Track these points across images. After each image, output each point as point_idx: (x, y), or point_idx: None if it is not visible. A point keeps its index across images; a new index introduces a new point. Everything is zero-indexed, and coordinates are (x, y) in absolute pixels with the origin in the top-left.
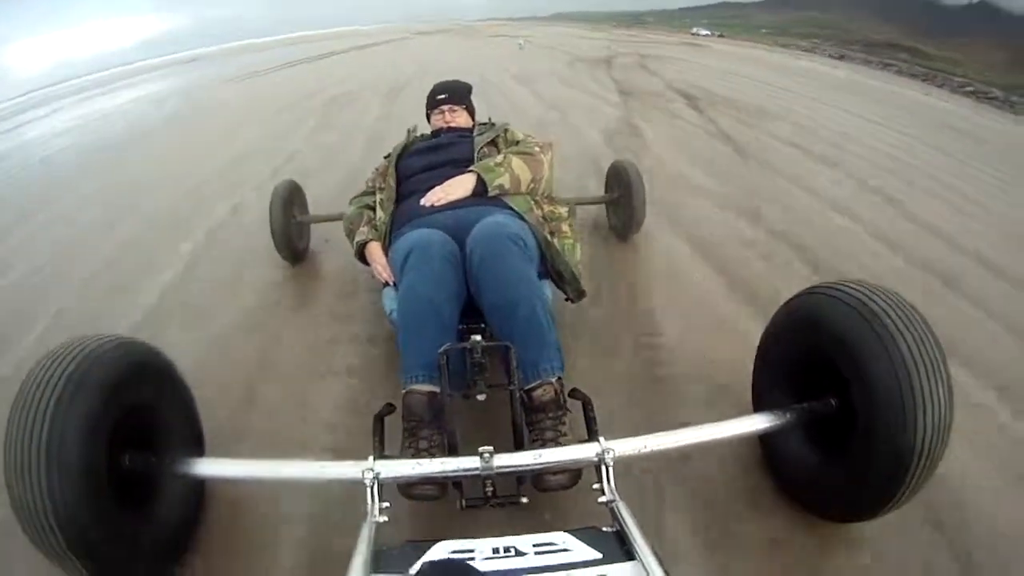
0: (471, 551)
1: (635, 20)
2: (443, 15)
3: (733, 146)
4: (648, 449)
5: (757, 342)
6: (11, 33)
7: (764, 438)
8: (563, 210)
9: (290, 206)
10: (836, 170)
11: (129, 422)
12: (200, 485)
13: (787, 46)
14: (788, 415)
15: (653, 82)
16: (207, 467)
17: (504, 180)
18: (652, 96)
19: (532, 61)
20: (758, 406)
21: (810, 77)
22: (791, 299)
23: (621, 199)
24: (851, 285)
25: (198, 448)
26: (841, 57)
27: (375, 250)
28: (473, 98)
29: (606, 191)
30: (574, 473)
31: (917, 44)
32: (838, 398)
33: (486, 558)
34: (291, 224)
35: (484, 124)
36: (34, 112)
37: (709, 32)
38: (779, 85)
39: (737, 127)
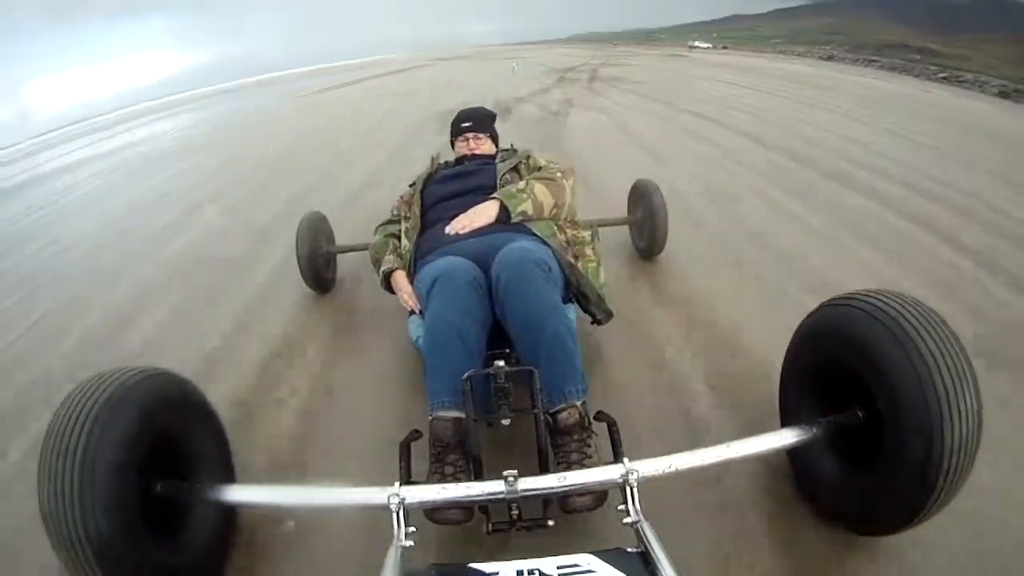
0: (496, 574)
1: (647, 37)
2: (460, 42)
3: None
4: (673, 469)
5: None
6: (29, 73)
7: (792, 452)
8: (586, 234)
9: (316, 237)
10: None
11: (160, 451)
12: (231, 511)
13: (784, 52)
14: (815, 429)
15: (583, 75)
16: (236, 494)
17: (527, 206)
18: (576, 81)
19: (521, 72)
20: (785, 420)
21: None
22: (813, 311)
23: (644, 220)
24: (873, 295)
25: (228, 475)
26: (830, 58)
27: (400, 279)
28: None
29: (629, 212)
30: (600, 495)
31: (927, 43)
32: (864, 410)
33: None
34: (318, 254)
35: (506, 151)
36: (63, 147)
37: (709, 45)
38: (715, 77)
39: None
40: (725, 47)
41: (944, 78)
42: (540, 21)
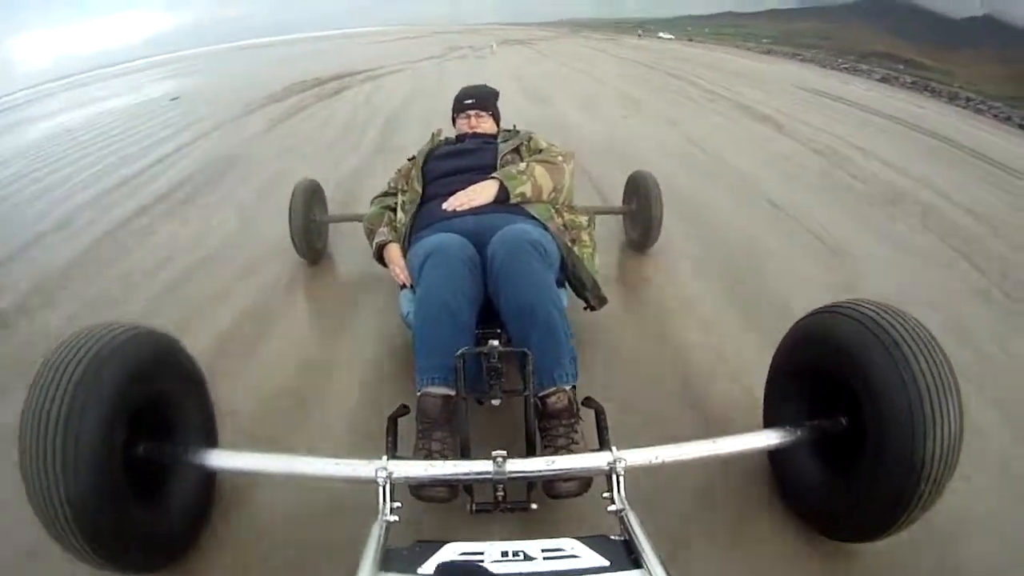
0: (480, 553)
1: (636, 26)
2: (456, 19)
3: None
4: (659, 460)
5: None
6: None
7: (773, 454)
8: (583, 219)
9: (310, 205)
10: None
11: (145, 412)
12: (212, 476)
13: (752, 49)
14: (798, 432)
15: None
16: (220, 459)
17: (526, 188)
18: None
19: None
20: (768, 422)
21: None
22: (804, 317)
23: (639, 210)
24: (865, 304)
25: (211, 439)
26: (800, 58)
27: (394, 251)
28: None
29: (624, 202)
30: (585, 481)
31: (915, 56)
32: (848, 417)
33: (495, 561)
34: (311, 223)
35: (508, 131)
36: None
37: (672, 36)
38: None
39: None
40: (691, 40)
41: (912, 85)
42: (536, 4)
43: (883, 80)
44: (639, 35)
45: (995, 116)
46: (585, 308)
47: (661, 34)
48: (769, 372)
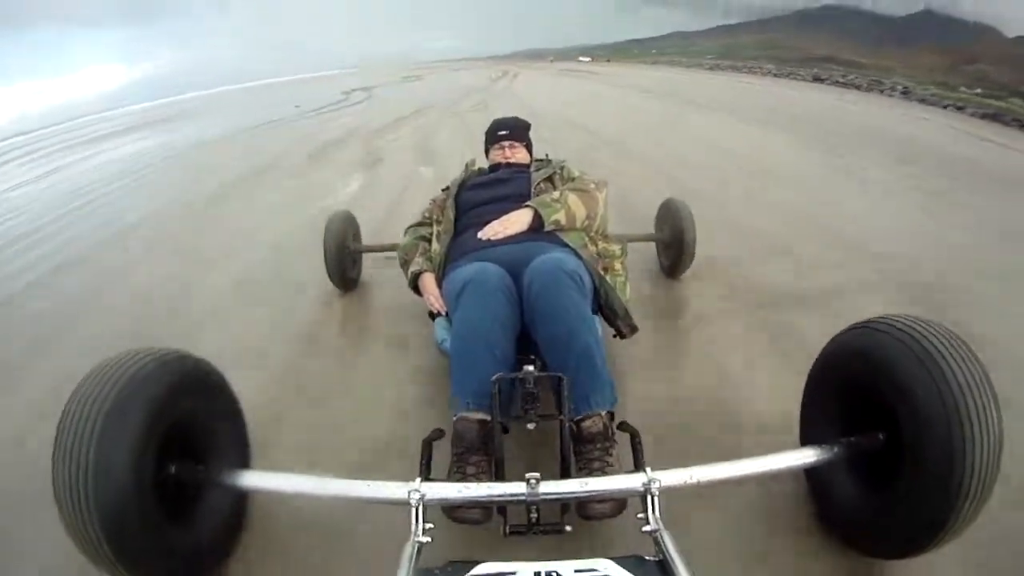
0: (513, 574)
1: (582, 52)
2: (410, 56)
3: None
4: (695, 480)
5: None
6: None
7: (810, 472)
8: (616, 248)
9: (344, 235)
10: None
11: (178, 433)
12: (244, 496)
13: (691, 66)
14: (835, 449)
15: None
16: (252, 479)
17: (560, 216)
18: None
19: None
20: (805, 439)
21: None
22: (841, 333)
23: (672, 239)
24: (902, 319)
25: (244, 460)
26: (721, 66)
27: (429, 281)
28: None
29: (657, 230)
30: (619, 503)
31: (855, 56)
32: (886, 433)
33: None
34: (345, 253)
35: (541, 161)
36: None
37: (589, 59)
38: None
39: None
40: (608, 61)
41: (839, 82)
42: (486, 40)
43: (815, 80)
44: (551, 60)
45: (922, 101)
46: (615, 336)
47: (582, 58)
48: (805, 389)
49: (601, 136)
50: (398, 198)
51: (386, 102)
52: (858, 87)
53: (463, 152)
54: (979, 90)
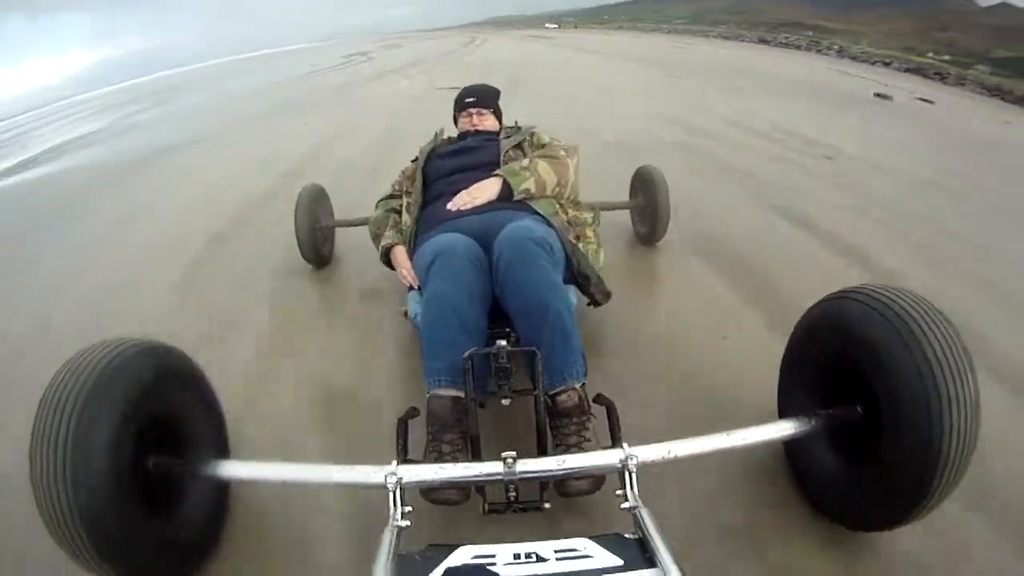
0: (492, 556)
1: (551, 19)
2: (380, 27)
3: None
4: (672, 455)
5: None
6: None
7: (789, 444)
8: (587, 215)
9: (315, 211)
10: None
11: (155, 425)
12: (225, 488)
13: (643, 30)
14: (813, 421)
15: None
16: (231, 469)
17: (530, 184)
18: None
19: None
20: (783, 412)
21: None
22: (817, 303)
23: (646, 205)
24: (879, 289)
25: (223, 450)
26: (678, 30)
27: (400, 254)
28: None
29: (631, 197)
30: (597, 479)
31: (823, 21)
32: (864, 405)
33: (507, 563)
34: (316, 229)
35: (510, 128)
36: None
37: (556, 25)
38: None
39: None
40: (576, 26)
41: (807, 47)
42: (448, 8)
43: (761, 41)
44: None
45: (886, 64)
46: (589, 304)
47: (549, 25)
48: (782, 361)
49: (531, 72)
50: (427, 88)
51: (386, 60)
52: (797, 47)
53: (453, 79)
54: (947, 56)
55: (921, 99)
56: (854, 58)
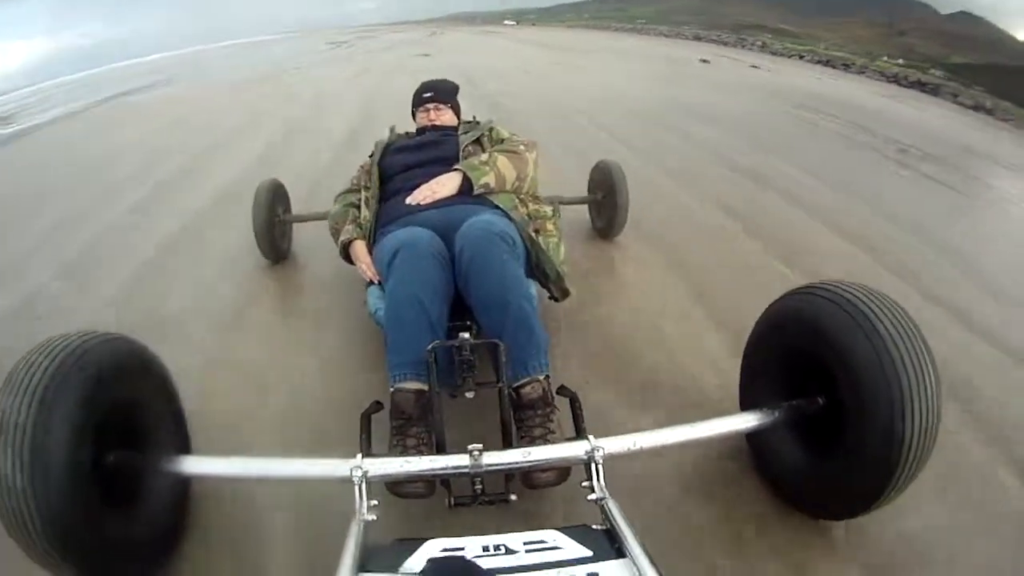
0: (461, 549)
1: (516, 15)
2: (346, 21)
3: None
4: (637, 447)
5: None
6: None
7: (752, 436)
8: (547, 209)
9: (273, 205)
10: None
11: (114, 420)
12: (186, 483)
13: (607, 28)
14: (776, 413)
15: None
16: (193, 465)
17: (489, 179)
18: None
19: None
20: (745, 404)
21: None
22: (779, 299)
23: (605, 200)
24: (839, 285)
25: (184, 446)
26: (637, 29)
27: (360, 249)
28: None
29: (589, 192)
30: (563, 470)
31: (782, 24)
32: (826, 396)
33: (476, 556)
34: (274, 223)
35: (469, 123)
36: None
37: (515, 22)
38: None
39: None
40: (534, 24)
41: (761, 48)
42: (409, 3)
43: (695, 38)
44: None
45: (845, 67)
46: (550, 298)
47: (507, 22)
48: (744, 356)
49: (479, 62)
50: (414, 58)
51: (367, 47)
52: (725, 43)
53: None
54: (901, 60)
55: (752, 66)
56: (761, 48)
